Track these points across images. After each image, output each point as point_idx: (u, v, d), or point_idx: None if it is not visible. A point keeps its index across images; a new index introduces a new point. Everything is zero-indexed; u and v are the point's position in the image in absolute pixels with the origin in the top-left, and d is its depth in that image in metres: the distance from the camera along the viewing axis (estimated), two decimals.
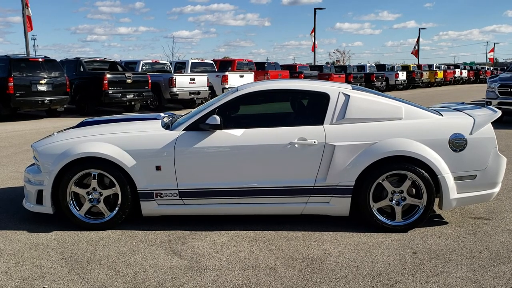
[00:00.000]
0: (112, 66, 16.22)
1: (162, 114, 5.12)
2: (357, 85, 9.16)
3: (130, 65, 17.56)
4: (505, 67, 20.00)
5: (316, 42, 32.09)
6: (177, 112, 5.66)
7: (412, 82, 32.58)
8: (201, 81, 16.73)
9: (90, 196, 4.22)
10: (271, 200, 4.15)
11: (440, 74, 36.49)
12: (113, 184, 4.18)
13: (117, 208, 4.21)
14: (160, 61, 18.57)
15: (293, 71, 24.00)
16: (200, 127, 4.15)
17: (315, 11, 32.16)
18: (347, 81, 24.33)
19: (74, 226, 4.26)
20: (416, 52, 44.48)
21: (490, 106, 4.63)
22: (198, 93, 16.58)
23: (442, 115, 4.30)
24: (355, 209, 4.17)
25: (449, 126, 4.12)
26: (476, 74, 44.96)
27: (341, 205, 4.12)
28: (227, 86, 17.15)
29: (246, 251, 3.75)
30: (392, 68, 33.61)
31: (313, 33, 32.07)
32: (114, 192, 4.20)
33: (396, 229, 4.10)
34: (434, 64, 41.42)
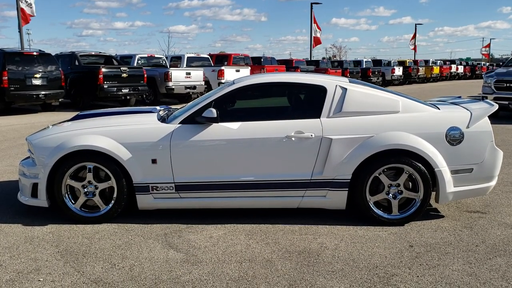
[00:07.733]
0: (108, 60, 16.09)
1: (158, 107, 5.09)
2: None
3: (126, 59, 17.41)
4: (501, 63, 20.02)
5: (319, 35, 31.68)
6: (172, 107, 5.62)
7: (409, 78, 32.60)
8: (197, 75, 16.65)
9: (85, 190, 4.19)
10: (268, 193, 4.14)
11: (436, 70, 36.53)
12: (109, 177, 4.16)
13: (112, 202, 4.19)
14: (156, 56, 18.45)
15: (289, 65, 23.98)
16: (197, 120, 4.13)
17: (311, 6, 32.09)
18: (344, 76, 24.31)
19: (69, 220, 4.23)
20: (415, 48, 44.50)
21: (487, 100, 4.63)
22: (194, 87, 16.51)
23: (439, 109, 4.29)
24: (352, 202, 4.17)
25: (446, 119, 4.12)
26: (472, 70, 44.99)
27: (337, 199, 4.12)
28: (223, 81, 17.08)
29: (243, 244, 3.74)
30: (389, 63, 33.56)
31: (311, 29, 31.95)
32: (109, 185, 4.17)
33: (393, 222, 4.10)
34: (430, 60, 41.39)
